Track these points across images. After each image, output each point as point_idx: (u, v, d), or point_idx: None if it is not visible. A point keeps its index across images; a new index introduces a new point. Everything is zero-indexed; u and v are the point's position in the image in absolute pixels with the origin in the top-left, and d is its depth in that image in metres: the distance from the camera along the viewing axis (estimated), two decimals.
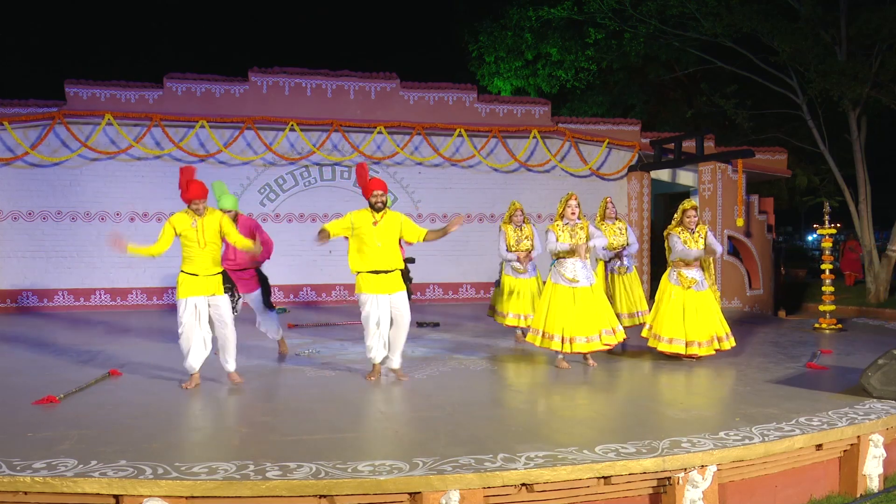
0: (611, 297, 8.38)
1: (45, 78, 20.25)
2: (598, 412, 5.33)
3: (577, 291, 6.90)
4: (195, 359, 6.01)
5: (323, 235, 6.19)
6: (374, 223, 6.21)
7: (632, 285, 8.49)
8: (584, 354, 7.02)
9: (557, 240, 6.94)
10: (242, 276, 7.33)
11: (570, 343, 6.84)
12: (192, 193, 5.87)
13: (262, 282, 7.51)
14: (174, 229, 5.93)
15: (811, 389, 5.94)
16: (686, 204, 7.36)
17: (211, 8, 27.03)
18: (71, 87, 12.56)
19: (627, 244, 8.43)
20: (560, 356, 7.00)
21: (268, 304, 7.54)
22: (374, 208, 6.24)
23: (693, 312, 7.23)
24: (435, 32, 28.45)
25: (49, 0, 23.21)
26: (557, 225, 7.02)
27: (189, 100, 12.98)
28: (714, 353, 7.27)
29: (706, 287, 7.37)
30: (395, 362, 6.46)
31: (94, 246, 12.51)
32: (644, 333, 7.56)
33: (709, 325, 7.24)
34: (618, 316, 8.43)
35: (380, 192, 6.24)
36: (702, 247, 7.27)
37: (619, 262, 8.43)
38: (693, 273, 7.34)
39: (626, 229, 8.52)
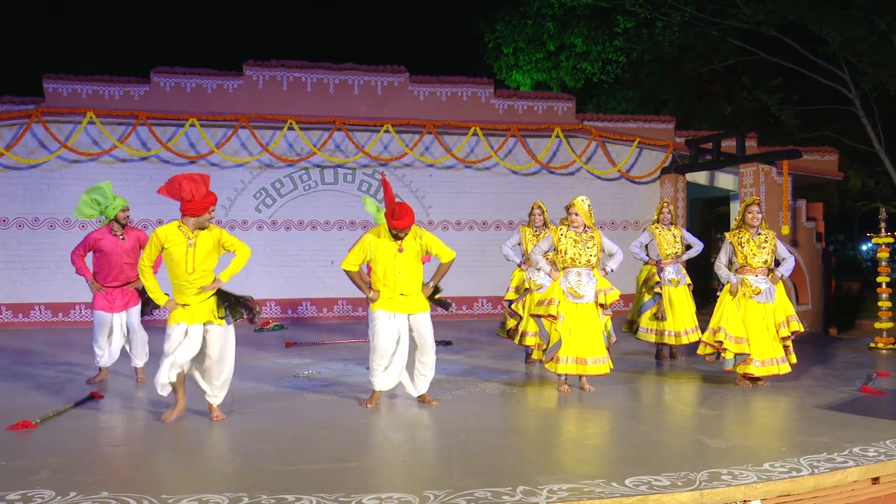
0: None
1: (22, 73, 20.49)
2: (628, 440, 5.30)
3: (580, 308, 6.89)
4: (166, 382, 5.59)
5: (353, 276, 6.24)
6: (400, 250, 6.16)
7: (680, 300, 8.55)
8: (580, 377, 6.97)
9: (551, 251, 6.99)
10: (121, 292, 7.34)
11: (565, 363, 6.82)
12: (212, 199, 5.53)
13: (141, 292, 7.51)
14: (159, 243, 5.50)
15: (866, 416, 5.88)
16: (749, 199, 7.32)
17: None
18: (49, 83, 12.70)
19: (683, 252, 8.66)
20: (562, 378, 6.99)
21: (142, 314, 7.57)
22: (395, 236, 6.19)
23: (752, 326, 7.11)
24: (447, 22, 28.59)
25: None
26: (561, 230, 7.00)
27: (178, 96, 13.09)
28: (770, 376, 7.16)
29: (773, 299, 7.18)
30: (423, 388, 6.42)
31: None
32: (705, 338, 7.42)
33: (766, 343, 7.11)
34: (664, 333, 8.54)
35: (404, 231, 6.14)
36: (766, 256, 7.15)
37: (672, 273, 8.58)
38: (757, 281, 7.20)
39: (681, 237, 8.72)
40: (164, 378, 5.56)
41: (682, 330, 8.54)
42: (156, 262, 6.11)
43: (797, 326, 7.19)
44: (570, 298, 6.86)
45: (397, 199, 6.18)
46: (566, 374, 6.90)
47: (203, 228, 5.59)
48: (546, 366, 7.00)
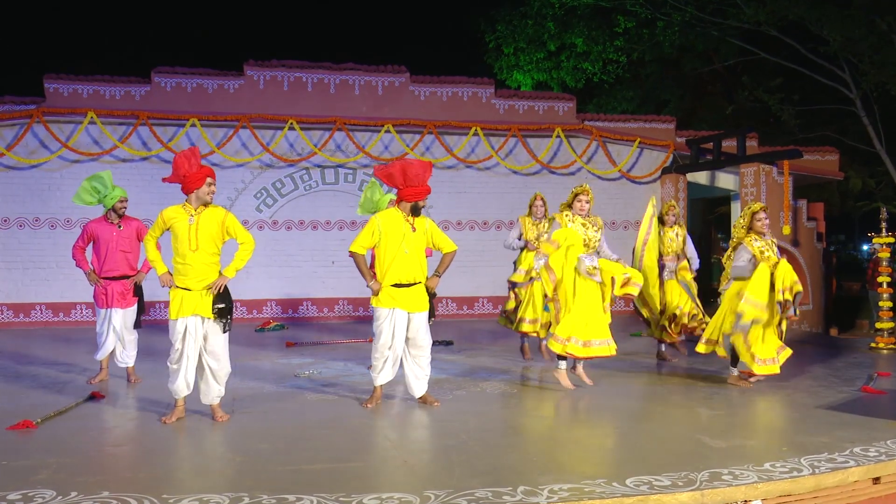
0: (664, 305, 8.58)
1: (23, 73, 20.50)
2: (628, 441, 5.30)
3: (589, 286, 6.91)
4: (183, 386, 5.75)
5: (359, 261, 6.20)
6: (413, 229, 6.26)
7: (679, 289, 8.60)
8: (576, 360, 6.98)
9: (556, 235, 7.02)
10: (118, 286, 7.32)
11: (564, 343, 6.82)
12: (206, 170, 5.71)
13: (139, 295, 7.49)
14: (164, 222, 5.70)
15: (867, 416, 5.88)
16: (755, 206, 7.31)
17: None
18: (50, 83, 12.70)
19: (684, 252, 8.67)
20: (562, 365, 6.98)
21: (137, 323, 7.52)
22: (413, 212, 6.34)
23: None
24: (448, 22, 28.60)
25: None
26: (566, 215, 7.07)
27: (179, 96, 13.10)
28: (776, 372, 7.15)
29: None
30: (422, 388, 6.41)
31: None
32: (706, 335, 7.48)
33: (769, 343, 7.13)
34: (665, 326, 8.58)
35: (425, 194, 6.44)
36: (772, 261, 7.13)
37: (674, 266, 8.63)
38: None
39: (684, 235, 8.74)
40: (182, 391, 5.77)
41: (675, 312, 8.55)
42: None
43: (798, 288, 7.06)
44: (585, 274, 6.89)
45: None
46: (572, 357, 6.91)
47: (206, 204, 5.74)
48: (550, 346, 6.98)
